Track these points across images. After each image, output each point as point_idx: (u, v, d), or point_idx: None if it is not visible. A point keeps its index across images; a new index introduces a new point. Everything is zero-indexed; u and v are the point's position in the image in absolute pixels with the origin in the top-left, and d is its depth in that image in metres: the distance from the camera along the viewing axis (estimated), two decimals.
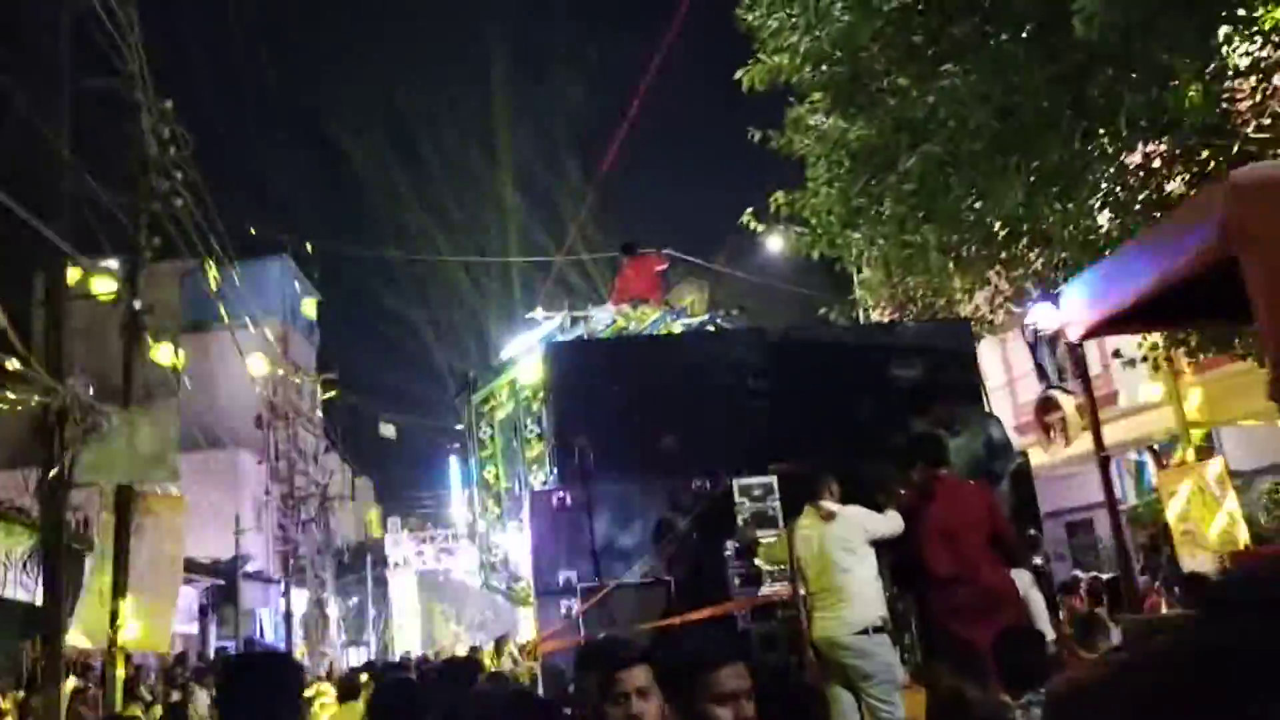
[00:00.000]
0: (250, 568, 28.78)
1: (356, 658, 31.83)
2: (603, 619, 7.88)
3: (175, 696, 16.19)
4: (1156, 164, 11.10)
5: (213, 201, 17.20)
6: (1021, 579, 6.83)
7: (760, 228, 13.84)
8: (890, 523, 6.82)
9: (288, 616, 29.43)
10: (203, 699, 15.15)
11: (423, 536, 36.12)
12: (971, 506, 6.84)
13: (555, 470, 8.42)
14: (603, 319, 11.37)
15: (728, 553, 7.52)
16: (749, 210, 13.89)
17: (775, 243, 18.13)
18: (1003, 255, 12.32)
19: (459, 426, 17.53)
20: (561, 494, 8.14)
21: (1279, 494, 14.61)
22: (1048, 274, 11.78)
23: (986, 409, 7.68)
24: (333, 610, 33.39)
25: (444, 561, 35.68)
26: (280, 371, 32.47)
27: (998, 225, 11.66)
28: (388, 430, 30.17)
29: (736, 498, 7.62)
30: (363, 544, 36.35)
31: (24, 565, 15.89)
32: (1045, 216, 10.93)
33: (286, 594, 29.56)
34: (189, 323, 31.84)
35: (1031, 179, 11.25)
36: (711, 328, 10.63)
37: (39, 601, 14.02)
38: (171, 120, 14.87)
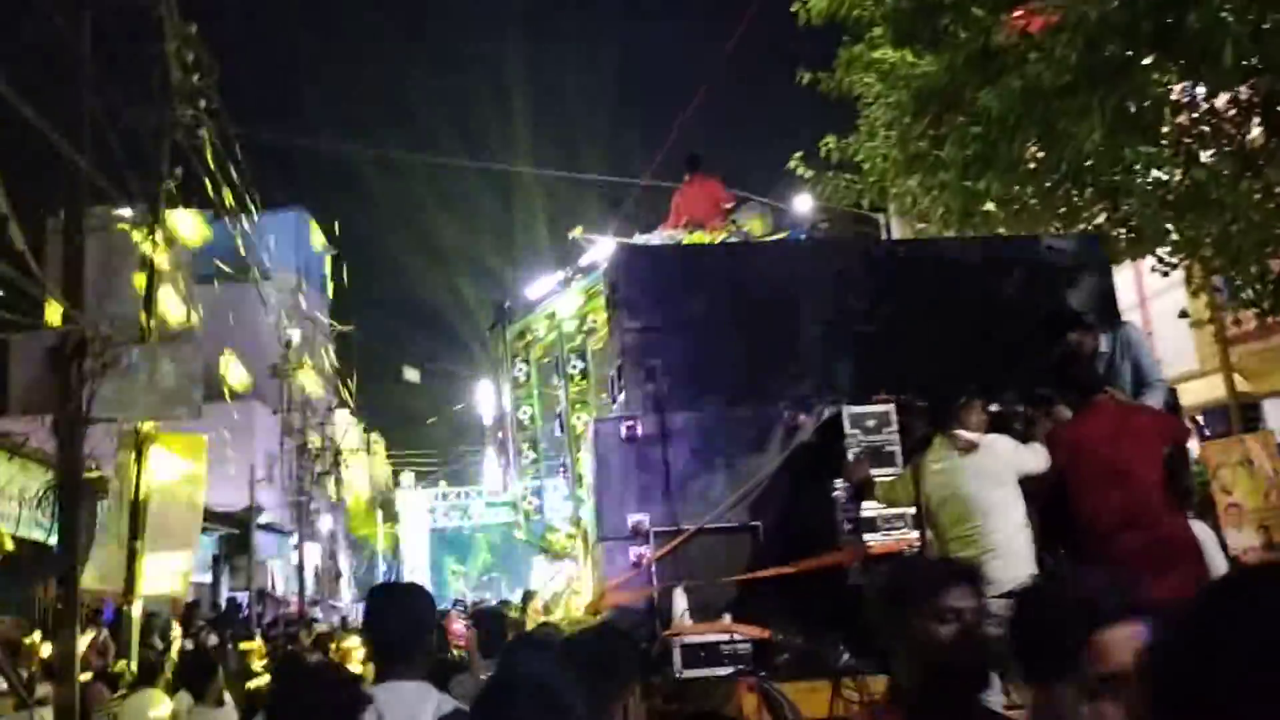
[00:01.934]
0: (263, 519, 27.72)
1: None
2: (679, 569, 6.51)
3: (188, 645, 15.20)
4: (1233, 112, 9.92)
5: (234, 139, 15.99)
6: (1201, 532, 5.46)
7: (809, 174, 12.51)
8: (1040, 458, 5.45)
9: (300, 569, 28.34)
10: None
11: (436, 492, 35.00)
12: (1147, 437, 5.43)
13: (622, 396, 7.01)
14: (657, 243, 9.97)
15: (836, 494, 6.11)
16: (797, 155, 12.55)
17: (804, 203, 16.80)
18: (1062, 210, 11.07)
19: (486, 375, 16.11)
20: (631, 423, 6.74)
21: None
22: (1107, 230, 10.51)
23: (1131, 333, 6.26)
24: (344, 564, 32.28)
25: (457, 518, 34.57)
26: (296, 325, 31.25)
27: (1062, 174, 10.55)
28: (412, 374, 28.87)
29: (847, 429, 6.21)
30: (375, 498, 35.13)
31: (38, 504, 14.69)
32: (1120, 162, 9.77)
33: (300, 546, 28.43)
34: (203, 275, 30.74)
35: (1111, 120, 10.03)
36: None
37: (54, 542, 13.18)
38: (196, 45, 13.74)
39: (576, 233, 11.63)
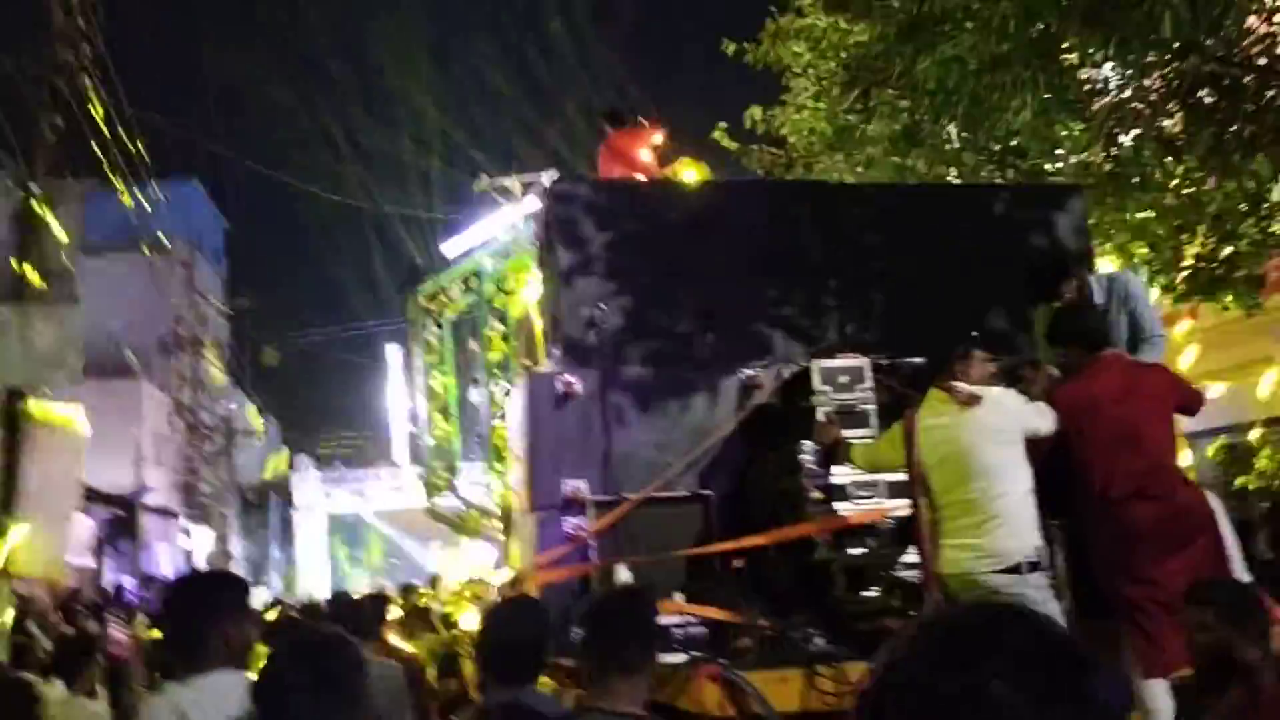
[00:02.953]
0: (151, 502, 25.97)
1: (259, 600, 29.07)
2: (620, 542, 5.63)
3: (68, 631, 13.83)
4: (1154, 97, 9.73)
5: (121, 95, 14.77)
6: (1215, 503, 4.80)
7: (733, 146, 11.88)
8: (1048, 418, 4.72)
9: (189, 553, 26.66)
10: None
11: (333, 477, 33.48)
12: (1158, 398, 4.76)
13: (557, 350, 6.10)
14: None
15: (801, 459, 5.29)
16: (721, 125, 11.88)
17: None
18: None
19: (394, 340, 14.96)
20: (567, 380, 5.83)
21: (1226, 455, 13.11)
22: None
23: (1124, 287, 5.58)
24: (236, 550, 30.60)
25: (355, 504, 33.12)
26: (186, 300, 29.55)
27: (988, 154, 10.27)
28: (270, 356, 27.42)
29: (816, 386, 5.39)
30: (267, 483, 33.44)
31: None
32: (1048, 142, 9.50)
33: (187, 529, 26.75)
34: (91, 244, 28.82)
35: (1043, 96, 9.70)
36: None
37: None
38: None
39: (482, 184, 10.64)
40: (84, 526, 21.15)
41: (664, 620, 5.19)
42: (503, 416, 9.39)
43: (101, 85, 13.94)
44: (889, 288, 6.00)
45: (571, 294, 6.08)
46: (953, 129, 10.19)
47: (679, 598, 5.28)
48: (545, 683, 6.01)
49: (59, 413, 13.26)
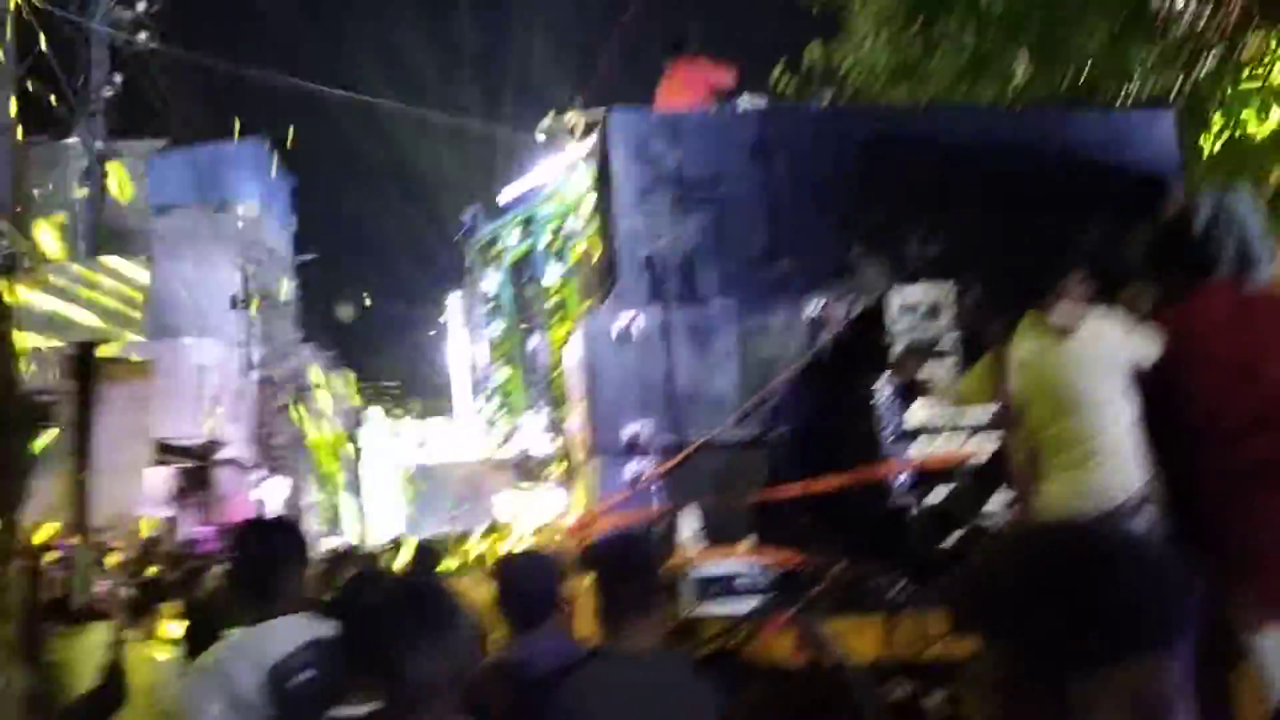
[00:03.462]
0: (226, 455, 26.30)
1: (330, 548, 29.45)
2: (684, 487, 5.33)
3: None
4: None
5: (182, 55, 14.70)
6: None
7: (791, 87, 11.42)
8: (1153, 347, 4.29)
9: (263, 504, 27.02)
10: None
11: (402, 429, 33.71)
12: (1273, 326, 4.31)
13: (616, 288, 5.78)
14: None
15: (879, 396, 4.92)
16: (781, 62, 11.40)
17: None
18: None
19: (455, 290, 14.74)
20: (629, 318, 5.51)
21: None
22: None
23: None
24: (309, 500, 31.00)
25: (423, 454, 33.33)
26: (255, 256, 29.71)
27: (1057, 86, 9.78)
28: (346, 311, 27.43)
29: (893, 317, 5.01)
30: (340, 433, 33.78)
31: None
32: (1122, 72, 9.02)
33: (263, 481, 27.10)
34: (161, 203, 29.10)
35: (1122, 21, 9.16)
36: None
37: None
38: None
39: (547, 126, 10.27)
40: (159, 479, 21.49)
41: (730, 567, 4.90)
42: (563, 364, 9.12)
43: (165, 44, 13.88)
44: (971, 213, 5.55)
45: (631, 229, 5.74)
46: (1020, 60, 9.73)
47: (747, 543, 4.98)
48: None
49: (128, 366, 13.34)
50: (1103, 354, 4.09)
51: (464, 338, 13.65)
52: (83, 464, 11.95)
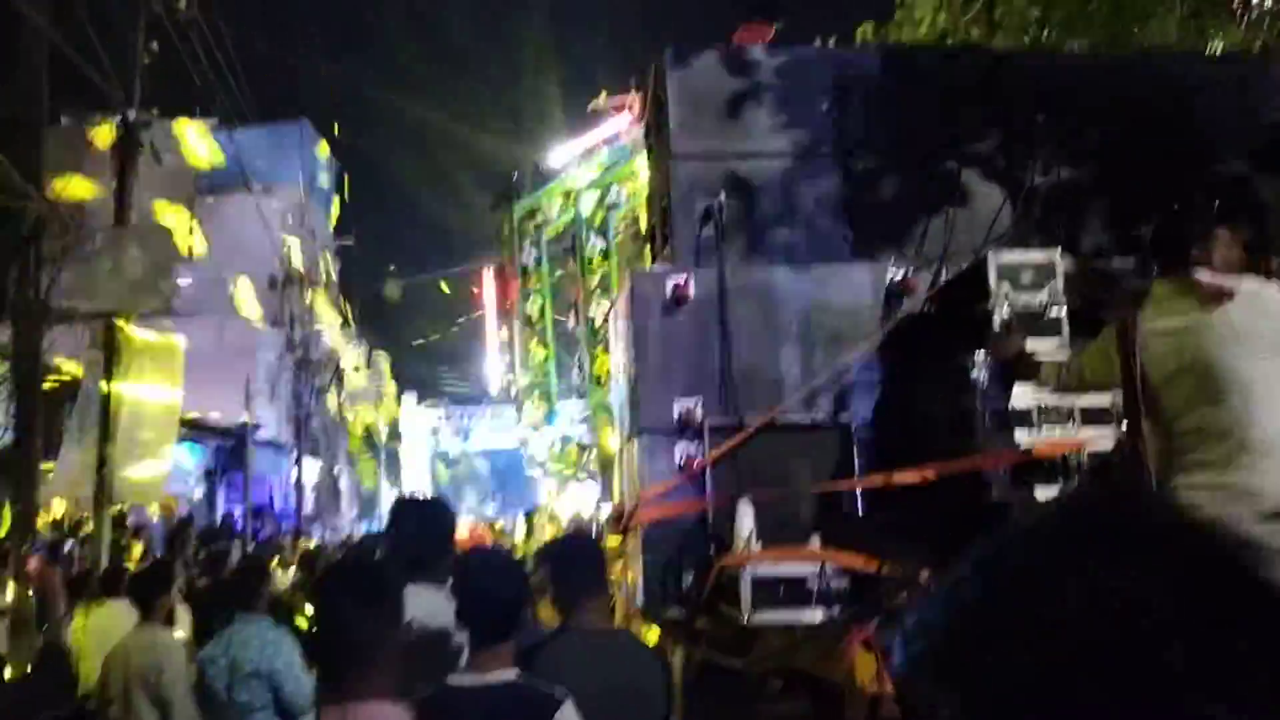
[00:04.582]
0: (263, 436, 25.88)
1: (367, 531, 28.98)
2: (742, 475, 4.55)
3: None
4: None
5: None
6: None
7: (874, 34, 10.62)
8: None
9: (299, 485, 26.55)
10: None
11: (440, 414, 33.18)
12: None
13: (669, 247, 5.00)
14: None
15: (975, 375, 4.10)
16: (831, 41, 10.60)
17: None
18: None
19: (490, 265, 14.03)
20: (679, 281, 4.73)
21: None
22: None
23: None
24: (345, 482, 30.55)
25: (460, 440, 32.80)
26: (296, 237, 29.32)
27: None
28: (392, 291, 26.82)
29: (992, 284, 4.19)
30: (377, 418, 33.30)
31: None
32: (1201, 47, 8.28)
33: (298, 462, 26.63)
34: (204, 185, 28.89)
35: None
36: None
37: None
38: None
39: (599, 102, 9.54)
40: (194, 456, 21.07)
41: (795, 569, 4.12)
42: (604, 342, 8.37)
43: (209, 28, 13.33)
44: (1084, 163, 4.72)
45: (684, 181, 4.96)
46: (1087, 41, 9.10)
47: (815, 542, 4.20)
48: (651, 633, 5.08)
49: (157, 339, 12.87)
50: (1259, 329, 3.26)
51: (496, 316, 12.88)
52: (108, 438, 11.43)
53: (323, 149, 32.42)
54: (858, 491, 4.37)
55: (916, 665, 0.61)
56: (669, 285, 4.72)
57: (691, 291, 4.72)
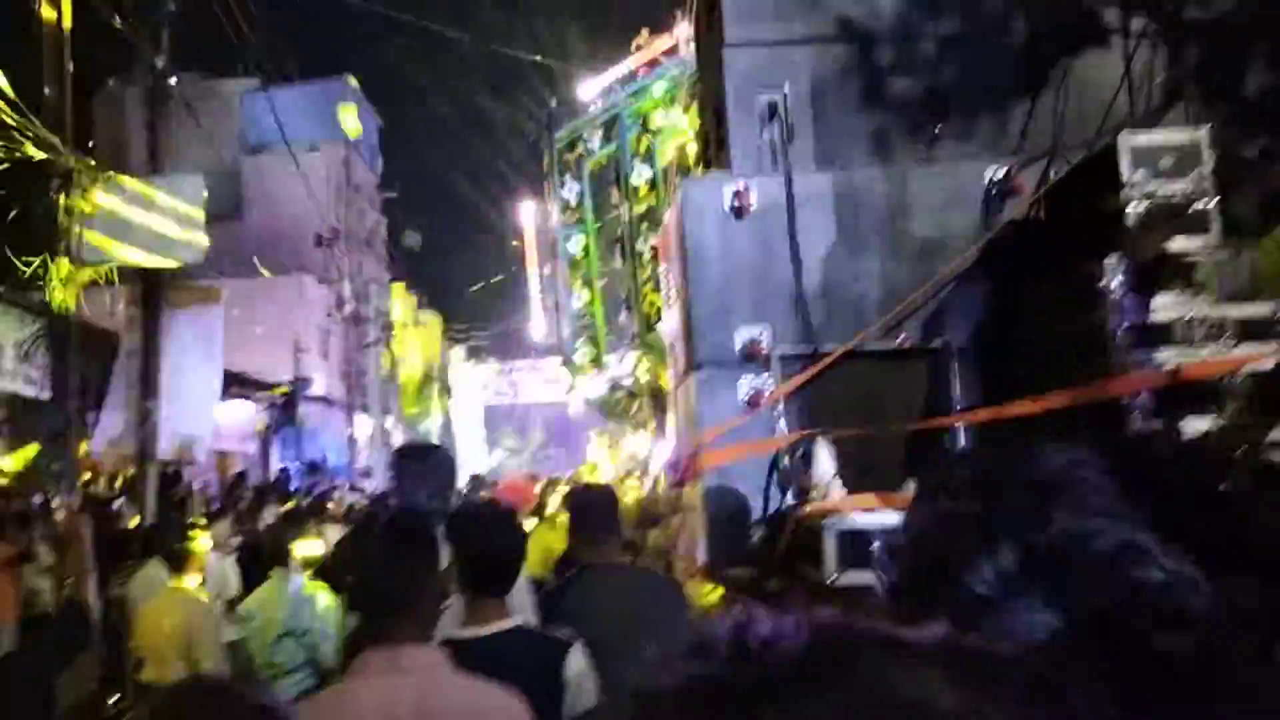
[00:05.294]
0: (314, 392, 25.67)
1: None
2: (817, 410, 3.83)
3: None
4: None
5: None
6: None
7: None
8: None
9: (351, 440, 26.35)
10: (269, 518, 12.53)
11: (489, 369, 32.83)
12: None
13: (724, 150, 4.24)
14: None
15: (1107, 284, 3.32)
16: None
17: None
18: None
19: (529, 198, 13.29)
20: (739, 187, 3.99)
21: None
22: None
23: None
24: (396, 438, 30.34)
25: (509, 394, 32.44)
26: (343, 195, 28.92)
27: None
28: (412, 240, 26.36)
29: (1124, 173, 3.39)
30: (427, 373, 33.05)
31: (25, 355, 12.49)
32: None
33: (350, 417, 26.42)
34: (250, 144, 28.72)
35: None
36: None
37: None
38: None
39: (642, 38, 8.77)
40: (248, 414, 20.85)
41: (887, 520, 3.40)
42: (653, 280, 7.65)
43: None
44: (1217, 39, 3.86)
45: (741, 73, 4.18)
46: None
47: (911, 489, 3.48)
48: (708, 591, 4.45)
49: (194, 290, 12.49)
50: None
51: (537, 256, 12.16)
52: (149, 392, 11.05)
53: (349, 109, 31.86)
54: (959, 428, 3.62)
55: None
56: (727, 194, 3.98)
57: (753, 201, 3.98)
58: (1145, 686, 0.56)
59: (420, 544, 2.18)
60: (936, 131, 4.00)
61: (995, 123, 4.02)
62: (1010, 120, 4.03)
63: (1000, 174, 3.88)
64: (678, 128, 7.06)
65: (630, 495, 7.04)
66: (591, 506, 3.17)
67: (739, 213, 4.00)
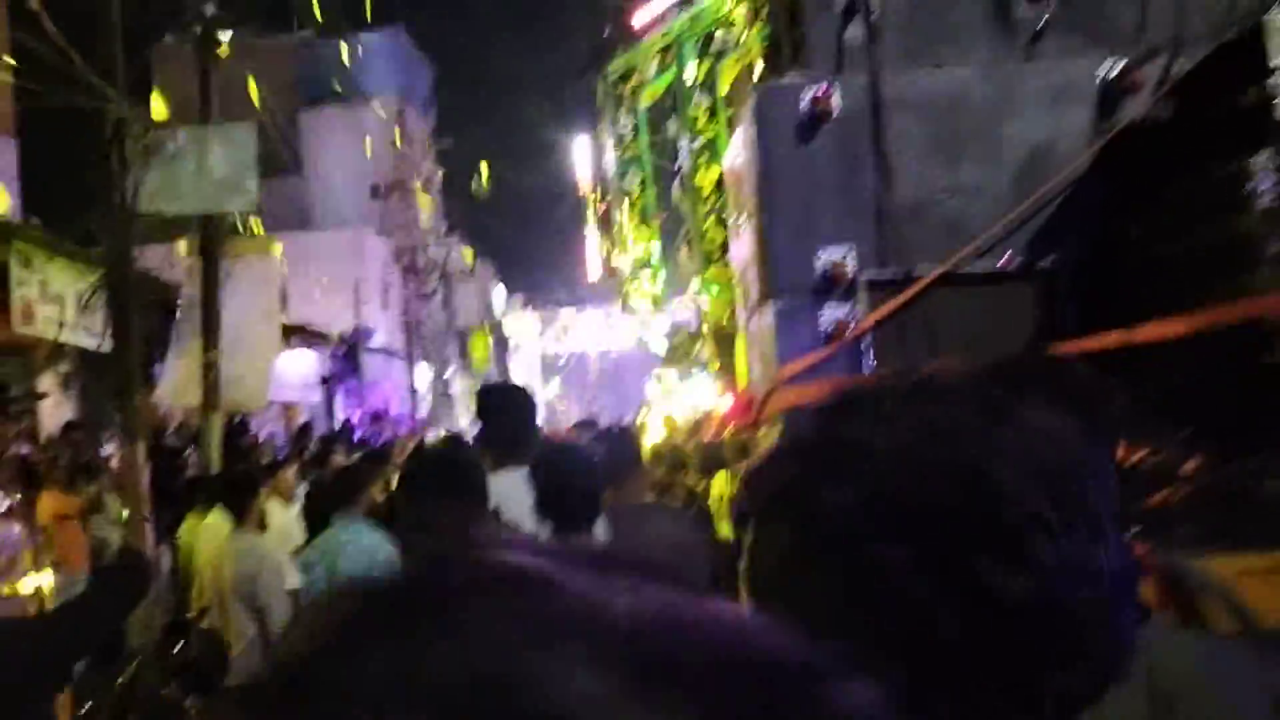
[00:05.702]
0: (376, 343, 25.77)
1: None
2: (910, 341, 3.41)
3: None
4: None
5: None
6: None
7: None
8: None
9: (412, 390, 26.46)
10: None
11: (544, 315, 32.69)
12: None
13: (800, 52, 3.77)
14: None
15: (1253, 187, 2.84)
16: None
17: None
18: None
19: (583, 132, 12.81)
20: (819, 90, 3.53)
21: None
22: None
23: None
24: (456, 387, 30.41)
25: (565, 342, 32.29)
26: (399, 147, 28.72)
27: None
28: (479, 190, 26.08)
29: (1273, 57, 2.88)
30: (484, 321, 33.02)
31: (85, 306, 12.45)
32: None
33: (411, 367, 26.52)
34: (306, 98, 28.68)
35: None
36: None
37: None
38: None
39: None
40: (310, 364, 20.93)
41: None
42: (715, 213, 7.20)
43: None
44: None
45: None
46: None
47: None
48: None
49: (251, 241, 12.30)
50: None
51: (592, 186, 11.69)
52: (211, 343, 10.93)
53: (420, 56, 31.45)
54: (1076, 356, 3.16)
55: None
56: (805, 99, 3.53)
57: (835, 106, 3.53)
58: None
59: (467, 482, 2.24)
60: (1041, 23, 3.48)
61: (1108, 11, 3.49)
62: (1124, 8, 3.50)
63: (1115, 70, 3.38)
64: (742, 45, 6.56)
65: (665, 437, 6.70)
66: (617, 446, 3.26)
67: (819, 119, 3.55)
